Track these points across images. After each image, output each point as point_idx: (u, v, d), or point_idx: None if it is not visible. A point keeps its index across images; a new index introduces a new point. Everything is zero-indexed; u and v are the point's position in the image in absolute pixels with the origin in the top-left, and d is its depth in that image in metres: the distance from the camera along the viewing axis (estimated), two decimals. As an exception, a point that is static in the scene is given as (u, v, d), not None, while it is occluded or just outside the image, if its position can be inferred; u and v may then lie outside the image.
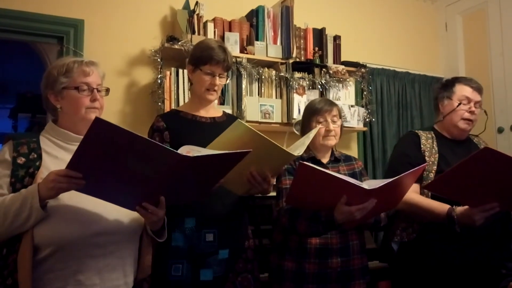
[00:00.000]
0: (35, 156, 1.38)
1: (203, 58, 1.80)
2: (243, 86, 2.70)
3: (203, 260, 1.73)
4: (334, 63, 3.07)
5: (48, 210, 1.29)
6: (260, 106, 2.73)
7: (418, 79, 3.55)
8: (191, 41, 2.56)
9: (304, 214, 1.74)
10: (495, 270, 1.92)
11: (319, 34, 3.08)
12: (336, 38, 3.13)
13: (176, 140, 1.71)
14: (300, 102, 2.83)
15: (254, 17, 2.85)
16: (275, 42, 2.88)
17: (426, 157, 1.99)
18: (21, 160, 1.36)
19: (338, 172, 1.92)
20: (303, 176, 1.52)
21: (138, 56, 2.71)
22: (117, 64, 2.66)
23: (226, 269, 1.77)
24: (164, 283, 1.70)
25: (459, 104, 2.05)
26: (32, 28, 2.50)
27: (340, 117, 2.02)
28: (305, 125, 2.01)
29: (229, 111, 2.58)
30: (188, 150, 1.27)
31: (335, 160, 2.00)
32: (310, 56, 3.02)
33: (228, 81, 2.13)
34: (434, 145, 2.04)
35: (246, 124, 1.49)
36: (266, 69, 2.81)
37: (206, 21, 2.71)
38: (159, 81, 2.53)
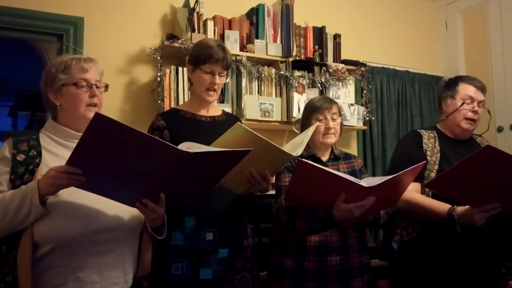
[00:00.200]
0: (35, 153, 1.38)
1: (202, 57, 1.80)
2: (243, 84, 2.70)
3: (203, 259, 1.73)
4: (334, 61, 3.07)
5: (47, 207, 1.29)
6: (259, 105, 2.73)
7: (418, 78, 3.54)
8: (191, 39, 2.56)
9: (302, 212, 1.74)
10: (495, 270, 1.92)
11: (319, 33, 3.08)
12: (336, 37, 3.12)
13: (176, 139, 1.71)
14: (299, 101, 2.83)
15: (254, 15, 2.85)
16: (275, 41, 2.88)
17: (427, 157, 1.98)
18: (20, 157, 1.36)
19: (338, 170, 1.92)
20: (302, 174, 1.53)
21: (138, 54, 2.71)
22: (117, 62, 2.66)
23: (225, 268, 1.77)
24: (164, 282, 1.71)
25: (462, 103, 2.03)
26: (32, 26, 2.50)
27: (340, 115, 2.02)
28: (305, 123, 2.01)
29: (228, 109, 2.58)
30: (188, 146, 1.27)
31: (335, 158, 2.00)
32: (310, 55, 3.01)
33: (228, 80, 2.13)
34: (436, 144, 2.03)
35: (245, 126, 1.49)
36: (266, 67, 2.81)
37: (206, 19, 2.71)
38: (158, 79, 2.53)
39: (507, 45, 3.26)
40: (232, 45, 2.72)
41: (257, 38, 2.82)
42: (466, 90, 2.06)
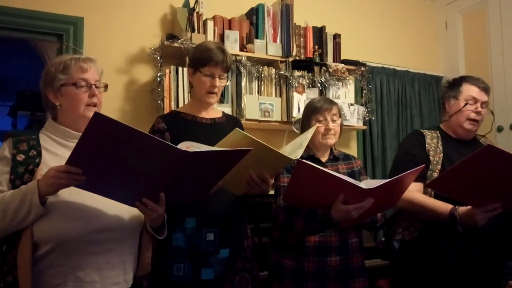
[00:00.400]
0: (35, 153, 1.38)
1: (202, 60, 1.81)
2: (243, 84, 2.70)
3: (204, 259, 1.74)
4: (334, 61, 3.07)
5: (47, 207, 1.29)
6: (259, 105, 2.73)
7: (418, 77, 3.55)
8: (190, 39, 2.56)
9: (301, 212, 1.75)
10: (496, 270, 1.92)
11: (319, 33, 3.08)
12: (336, 37, 3.13)
13: (177, 140, 1.70)
14: (299, 101, 2.83)
15: (254, 15, 2.85)
16: (275, 40, 2.88)
17: (430, 157, 1.98)
18: (20, 157, 1.36)
19: (337, 170, 1.92)
20: (301, 174, 1.52)
21: (138, 54, 2.71)
22: (117, 62, 2.66)
23: (226, 268, 1.77)
24: (166, 282, 1.71)
25: (466, 104, 2.03)
26: (31, 25, 2.50)
27: (340, 116, 2.02)
28: (305, 124, 2.01)
29: (228, 109, 2.58)
30: (188, 146, 1.27)
31: (334, 158, 2.00)
32: (310, 55, 3.02)
33: (228, 82, 2.14)
34: (439, 144, 2.03)
35: (244, 132, 1.49)
36: (265, 67, 2.81)
37: (206, 19, 2.71)
38: (158, 79, 2.53)
39: (507, 45, 3.26)
40: (232, 45, 2.72)
41: (257, 38, 2.82)
42: (469, 90, 2.05)
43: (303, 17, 3.05)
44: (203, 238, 1.74)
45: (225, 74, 1.86)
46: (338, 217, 1.59)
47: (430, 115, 3.54)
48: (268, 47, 2.84)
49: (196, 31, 2.65)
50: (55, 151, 1.42)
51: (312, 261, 1.83)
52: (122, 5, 2.72)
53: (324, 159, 1.98)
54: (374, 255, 2.54)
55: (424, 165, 1.77)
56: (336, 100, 2.11)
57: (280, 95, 2.83)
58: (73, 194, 1.32)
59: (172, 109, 2.42)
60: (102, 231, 1.35)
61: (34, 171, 1.35)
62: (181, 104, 2.49)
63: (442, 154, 1.99)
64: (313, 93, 2.88)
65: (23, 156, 1.37)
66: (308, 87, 2.91)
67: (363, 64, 3.18)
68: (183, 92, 2.54)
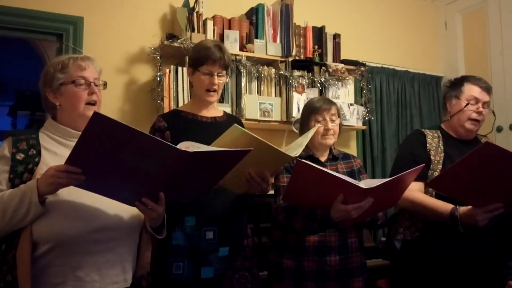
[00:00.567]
0: (34, 152, 1.38)
1: (200, 59, 1.81)
2: (242, 84, 2.70)
3: (203, 258, 1.74)
4: (333, 61, 3.07)
5: (47, 206, 1.29)
6: (259, 104, 2.73)
7: (417, 77, 3.55)
8: (190, 39, 2.57)
9: (300, 212, 1.75)
10: (497, 270, 1.91)
11: (319, 33, 3.08)
12: (336, 37, 3.13)
13: (177, 139, 1.70)
14: (299, 101, 2.83)
15: (254, 15, 2.85)
16: (274, 40, 2.88)
17: (431, 156, 1.98)
18: (20, 156, 1.37)
19: (337, 170, 1.92)
20: (300, 174, 1.53)
21: (138, 54, 2.71)
22: (117, 62, 2.66)
23: (226, 267, 1.77)
24: (166, 281, 1.71)
25: (467, 104, 2.03)
26: (31, 25, 2.50)
27: (339, 116, 2.02)
28: (304, 124, 2.01)
29: (228, 109, 2.58)
30: (187, 146, 1.27)
31: (333, 158, 2.00)
32: (309, 55, 3.02)
33: (228, 79, 2.14)
34: (440, 144, 2.03)
35: (243, 128, 1.49)
36: (265, 67, 2.81)
37: (206, 19, 2.71)
38: (158, 79, 2.53)
39: (506, 45, 3.27)
40: (232, 45, 2.72)
41: (256, 38, 2.82)
42: (471, 90, 2.05)
43: (303, 17, 3.06)
44: (203, 236, 1.74)
45: (224, 71, 1.86)
46: (337, 217, 1.59)
47: (430, 115, 3.54)
48: (268, 47, 2.84)
49: (196, 31, 2.65)
50: (55, 150, 1.42)
51: (311, 261, 1.83)
52: (122, 5, 2.72)
53: (323, 158, 1.99)
54: (373, 255, 2.54)
55: (423, 164, 1.77)
56: (335, 100, 2.12)
57: (280, 95, 2.84)
58: (72, 194, 1.32)
59: (172, 108, 2.42)
60: (101, 231, 1.35)
61: (34, 170, 1.35)
62: (180, 104, 2.49)
63: (443, 154, 1.99)
64: (313, 93, 2.88)
65: (22, 155, 1.37)
66: (308, 87, 2.91)
67: (363, 64, 3.18)
68: (183, 91, 2.54)
